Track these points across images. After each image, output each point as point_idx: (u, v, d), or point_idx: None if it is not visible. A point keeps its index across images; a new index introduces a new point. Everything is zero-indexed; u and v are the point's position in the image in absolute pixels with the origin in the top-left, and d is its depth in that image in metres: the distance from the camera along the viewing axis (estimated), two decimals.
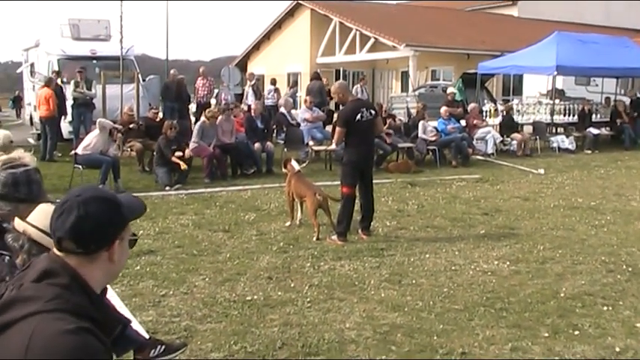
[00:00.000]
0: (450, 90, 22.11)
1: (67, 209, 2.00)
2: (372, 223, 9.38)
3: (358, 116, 8.92)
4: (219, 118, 15.08)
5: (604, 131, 21.51)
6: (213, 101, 21.65)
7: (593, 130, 20.82)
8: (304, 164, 10.30)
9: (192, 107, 21.71)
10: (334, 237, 8.91)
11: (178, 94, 19.92)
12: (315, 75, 22.37)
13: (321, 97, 20.31)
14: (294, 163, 9.98)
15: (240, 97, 22.01)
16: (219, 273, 7.44)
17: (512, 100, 24.70)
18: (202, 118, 15.02)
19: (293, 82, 23.90)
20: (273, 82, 23.26)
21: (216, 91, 22.46)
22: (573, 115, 22.38)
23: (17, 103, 41.59)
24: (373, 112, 9.30)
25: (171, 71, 21.26)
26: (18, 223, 3.07)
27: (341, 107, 9.96)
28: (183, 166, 13.27)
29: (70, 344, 1.77)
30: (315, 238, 9.01)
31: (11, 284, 1.98)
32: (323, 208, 9.32)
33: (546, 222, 10.23)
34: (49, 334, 1.78)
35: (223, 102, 19.90)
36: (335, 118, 11.13)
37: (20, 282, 1.97)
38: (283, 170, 10.22)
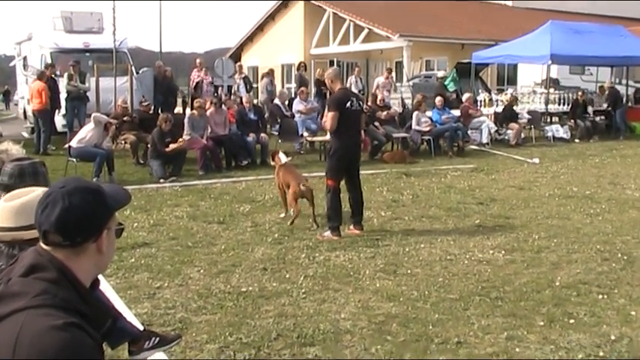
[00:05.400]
0: (440, 74, 22.19)
1: (52, 202, 1.97)
2: (366, 214, 9.32)
3: (348, 104, 8.72)
4: (210, 110, 15.08)
5: (598, 120, 21.56)
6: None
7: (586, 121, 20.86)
8: (290, 158, 10.24)
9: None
10: (327, 233, 8.71)
11: (166, 87, 19.85)
12: (298, 66, 22.66)
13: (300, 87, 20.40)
14: (281, 155, 9.96)
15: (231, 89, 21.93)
16: (214, 265, 7.42)
17: (507, 89, 24.69)
18: (191, 111, 15.07)
19: (266, 72, 23.70)
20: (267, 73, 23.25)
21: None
22: (568, 105, 22.40)
23: (6, 97, 42.75)
24: (361, 103, 9.18)
25: (157, 63, 21.16)
26: None
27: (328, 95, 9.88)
28: (180, 143, 13.34)
29: (58, 341, 1.75)
30: (289, 223, 9.07)
31: None
32: (307, 199, 9.32)
33: (541, 211, 10.23)
34: (37, 331, 1.76)
35: (204, 93, 19.83)
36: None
37: (8, 277, 1.94)
38: (271, 163, 10.23)
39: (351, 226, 8.96)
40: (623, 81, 25.16)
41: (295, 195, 9.18)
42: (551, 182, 12.87)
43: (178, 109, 20.87)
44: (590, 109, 21.71)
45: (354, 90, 21.45)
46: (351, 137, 8.90)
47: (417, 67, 29.77)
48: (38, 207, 2.00)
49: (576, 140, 19.99)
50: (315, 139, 16.73)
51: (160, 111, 17.01)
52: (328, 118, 8.88)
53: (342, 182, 9.05)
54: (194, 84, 21.08)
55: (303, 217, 9.47)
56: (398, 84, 26.50)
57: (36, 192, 2.89)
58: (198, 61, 21.99)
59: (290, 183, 9.36)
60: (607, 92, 22.56)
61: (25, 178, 3.61)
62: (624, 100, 23.03)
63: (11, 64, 27.51)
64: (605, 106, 22.01)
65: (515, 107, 20.37)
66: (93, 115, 13.60)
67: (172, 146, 13.27)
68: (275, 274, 7.08)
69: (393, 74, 24.87)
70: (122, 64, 18.61)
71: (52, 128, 17.54)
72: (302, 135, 16.85)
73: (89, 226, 2.00)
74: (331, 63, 30.76)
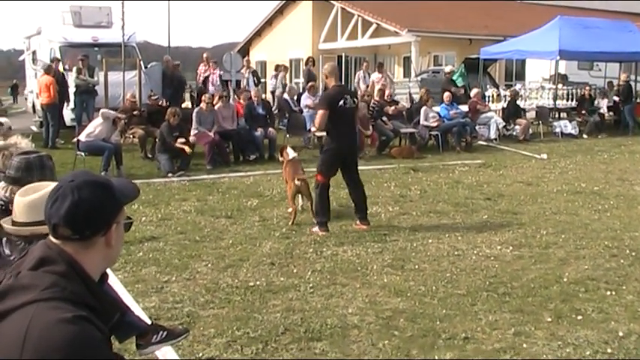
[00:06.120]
0: (448, 68, 22.17)
1: (61, 195, 1.98)
2: (374, 209, 9.32)
3: (341, 102, 8.58)
4: (218, 104, 15.09)
5: (607, 115, 21.51)
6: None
7: (594, 115, 20.81)
8: (296, 154, 10.21)
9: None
10: (315, 229, 8.68)
11: (177, 81, 19.90)
12: (307, 61, 22.66)
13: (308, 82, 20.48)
14: (289, 150, 9.95)
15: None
16: (222, 259, 7.44)
17: (515, 84, 24.61)
18: (200, 104, 15.08)
19: (283, 66, 23.79)
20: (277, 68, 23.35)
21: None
22: (576, 100, 22.31)
23: (14, 91, 44.00)
24: (356, 100, 9.04)
25: (165, 57, 21.19)
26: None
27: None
28: (188, 149, 13.30)
29: (67, 333, 1.76)
30: (290, 223, 9.04)
31: (9, 272, 1.96)
32: (303, 194, 9.33)
33: (549, 207, 10.21)
34: (46, 324, 1.76)
35: (212, 87, 19.88)
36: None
37: (17, 270, 1.95)
38: (279, 158, 10.23)
39: (357, 222, 8.94)
40: (632, 76, 25.00)
41: (292, 192, 9.21)
42: (559, 178, 12.84)
43: (187, 104, 20.89)
44: (603, 103, 21.60)
45: (362, 85, 21.51)
46: (344, 135, 8.76)
47: (425, 62, 29.68)
48: (48, 201, 2.01)
49: (584, 136, 19.93)
50: (322, 133, 16.67)
51: (169, 104, 17.05)
52: (317, 117, 8.82)
53: (341, 180, 9.03)
54: (202, 79, 21.10)
55: (310, 212, 9.48)
56: (406, 79, 26.43)
57: (50, 186, 2.90)
58: (205, 55, 21.99)
59: (288, 179, 9.38)
60: (616, 88, 22.47)
61: (32, 172, 3.62)
62: (633, 95, 22.89)
63: (20, 58, 27.59)
64: (616, 99, 21.88)
65: (518, 102, 20.31)
66: (101, 111, 13.62)
67: (180, 141, 13.27)
68: (282, 269, 7.09)
69: (400, 69, 24.77)
70: (131, 58, 18.65)
71: (61, 122, 17.63)
72: (310, 130, 16.84)
73: (98, 219, 2.01)
74: (339, 58, 30.73)
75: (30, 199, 2.92)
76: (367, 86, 20.88)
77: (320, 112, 8.76)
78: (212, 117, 14.61)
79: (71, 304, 1.84)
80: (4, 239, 3.25)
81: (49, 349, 1.73)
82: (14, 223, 2.99)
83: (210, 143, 14.01)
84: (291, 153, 9.84)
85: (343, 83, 19.93)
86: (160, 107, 16.05)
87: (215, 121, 14.61)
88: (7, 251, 3.23)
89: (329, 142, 8.90)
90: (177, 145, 13.21)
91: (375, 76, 21.47)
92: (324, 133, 9.59)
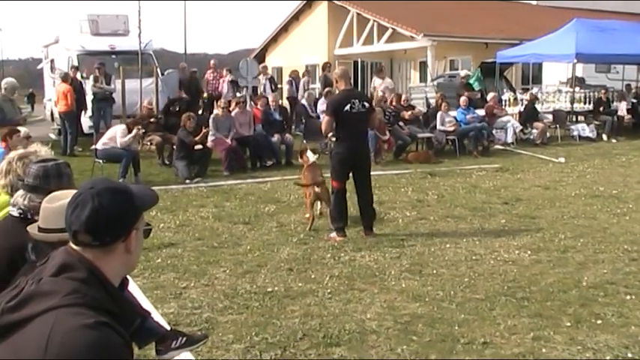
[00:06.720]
0: (463, 72, 22.12)
1: (81, 202, 1.99)
2: (391, 214, 9.30)
3: (347, 107, 8.43)
4: (235, 110, 15.13)
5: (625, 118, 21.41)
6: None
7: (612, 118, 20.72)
8: (317, 156, 10.17)
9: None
10: (332, 234, 8.66)
11: (194, 87, 20.00)
12: (324, 66, 22.65)
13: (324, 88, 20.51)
14: (309, 153, 9.90)
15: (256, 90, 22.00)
16: (240, 265, 7.46)
17: (532, 88, 24.51)
18: (215, 111, 15.11)
19: (305, 71, 23.81)
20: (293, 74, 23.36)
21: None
22: (593, 103, 22.20)
23: (31, 99, 45.27)
24: (367, 104, 8.79)
25: (181, 64, 21.30)
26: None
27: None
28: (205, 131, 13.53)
29: (89, 339, 1.77)
30: (307, 228, 9.05)
31: (30, 278, 1.98)
32: (323, 200, 9.31)
33: (567, 211, 10.16)
34: (68, 330, 1.78)
35: (224, 94, 19.98)
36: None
37: (39, 276, 1.97)
38: (300, 161, 10.22)
39: (363, 230, 8.83)
40: None
41: (310, 198, 9.19)
42: (577, 182, 12.77)
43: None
44: (621, 106, 21.47)
45: (379, 91, 21.46)
46: (352, 139, 8.66)
47: (442, 66, 29.64)
48: (68, 208, 2.03)
49: (603, 136, 19.82)
50: None
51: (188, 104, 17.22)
52: (323, 123, 8.82)
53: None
54: (216, 85, 21.17)
55: (328, 218, 9.48)
56: (422, 84, 26.38)
57: None
58: (212, 62, 22.07)
59: (307, 184, 9.36)
60: (634, 90, 22.34)
61: (49, 179, 3.63)
62: None
63: (39, 66, 27.82)
64: (634, 101, 21.77)
65: (536, 106, 20.22)
66: (120, 142, 13.14)
67: (200, 136, 13.35)
68: (300, 275, 7.10)
69: (417, 73, 24.66)
70: (147, 65, 18.76)
71: (79, 130, 17.73)
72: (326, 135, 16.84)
73: (118, 226, 2.02)
74: (355, 63, 30.72)
75: (58, 205, 2.94)
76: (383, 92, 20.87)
77: (325, 119, 8.80)
78: (229, 123, 14.67)
79: (92, 310, 1.85)
80: (30, 245, 3.28)
81: (72, 355, 1.74)
82: (41, 230, 3.02)
83: (228, 149, 14.06)
84: (311, 157, 9.78)
85: (357, 88, 19.93)
86: (179, 103, 16.19)
87: (232, 127, 14.66)
88: (33, 257, 3.26)
89: (336, 147, 8.86)
90: (197, 138, 13.31)
91: (377, 82, 21.49)
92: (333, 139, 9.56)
